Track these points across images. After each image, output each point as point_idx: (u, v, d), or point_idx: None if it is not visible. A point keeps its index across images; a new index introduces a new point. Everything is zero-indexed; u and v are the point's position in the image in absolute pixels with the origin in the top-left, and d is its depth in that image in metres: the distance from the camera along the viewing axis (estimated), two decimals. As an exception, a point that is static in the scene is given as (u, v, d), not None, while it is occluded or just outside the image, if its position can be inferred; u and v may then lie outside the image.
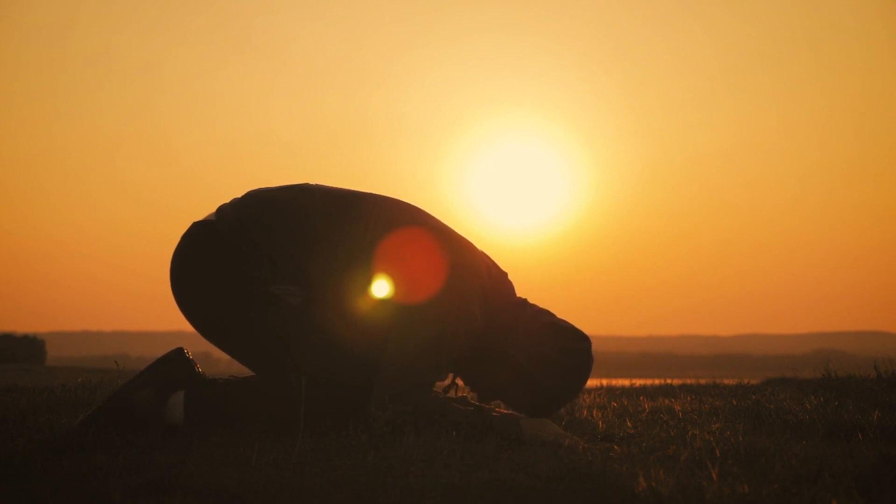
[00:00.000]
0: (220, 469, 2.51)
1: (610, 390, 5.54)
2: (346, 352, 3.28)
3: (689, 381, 7.33)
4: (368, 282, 3.26)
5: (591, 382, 6.66)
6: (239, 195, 3.44)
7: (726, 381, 6.50)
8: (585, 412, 3.57)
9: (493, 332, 3.33)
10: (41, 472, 2.54)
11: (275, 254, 3.26)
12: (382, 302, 3.24)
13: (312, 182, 3.45)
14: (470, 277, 3.25)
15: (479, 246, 3.47)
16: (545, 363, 3.31)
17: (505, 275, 3.43)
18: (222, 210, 3.36)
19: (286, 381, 3.21)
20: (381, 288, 3.25)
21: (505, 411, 3.28)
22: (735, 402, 4.20)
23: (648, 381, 7.04)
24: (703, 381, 7.13)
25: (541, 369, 3.30)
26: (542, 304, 3.43)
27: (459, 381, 3.50)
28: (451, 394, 3.47)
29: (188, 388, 3.24)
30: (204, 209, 4.59)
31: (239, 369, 4.07)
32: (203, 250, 3.30)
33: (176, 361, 3.32)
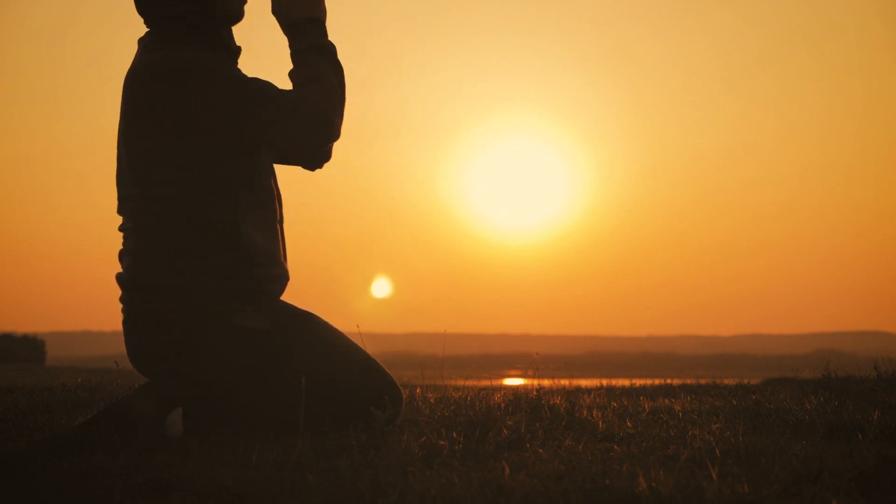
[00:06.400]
0: (220, 469, 2.51)
1: (610, 390, 5.54)
2: (334, 352, 3.28)
3: (689, 381, 7.34)
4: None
5: (591, 382, 6.66)
6: None
7: (726, 381, 6.51)
8: (585, 412, 3.57)
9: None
10: (41, 472, 2.54)
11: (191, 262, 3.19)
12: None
13: None
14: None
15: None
16: None
17: None
18: (122, 300, 3.30)
19: (286, 382, 3.20)
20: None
21: None
22: (735, 402, 4.20)
23: (648, 381, 7.05)
24: (703, 381, 7.15)
25: None
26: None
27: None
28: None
29: (189, 404, 3.21)
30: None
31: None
32: (141, 338, 3.25)
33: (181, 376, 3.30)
